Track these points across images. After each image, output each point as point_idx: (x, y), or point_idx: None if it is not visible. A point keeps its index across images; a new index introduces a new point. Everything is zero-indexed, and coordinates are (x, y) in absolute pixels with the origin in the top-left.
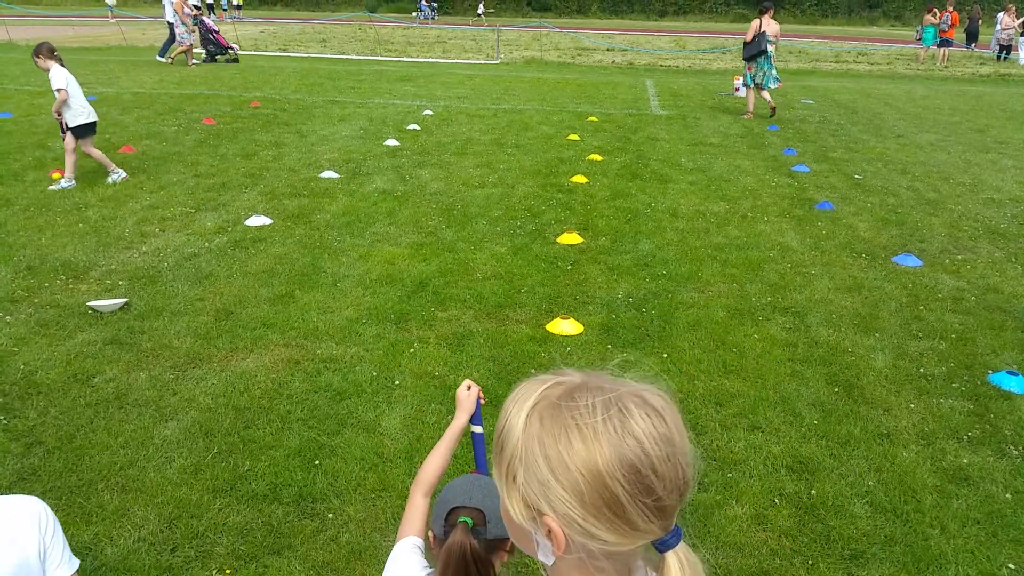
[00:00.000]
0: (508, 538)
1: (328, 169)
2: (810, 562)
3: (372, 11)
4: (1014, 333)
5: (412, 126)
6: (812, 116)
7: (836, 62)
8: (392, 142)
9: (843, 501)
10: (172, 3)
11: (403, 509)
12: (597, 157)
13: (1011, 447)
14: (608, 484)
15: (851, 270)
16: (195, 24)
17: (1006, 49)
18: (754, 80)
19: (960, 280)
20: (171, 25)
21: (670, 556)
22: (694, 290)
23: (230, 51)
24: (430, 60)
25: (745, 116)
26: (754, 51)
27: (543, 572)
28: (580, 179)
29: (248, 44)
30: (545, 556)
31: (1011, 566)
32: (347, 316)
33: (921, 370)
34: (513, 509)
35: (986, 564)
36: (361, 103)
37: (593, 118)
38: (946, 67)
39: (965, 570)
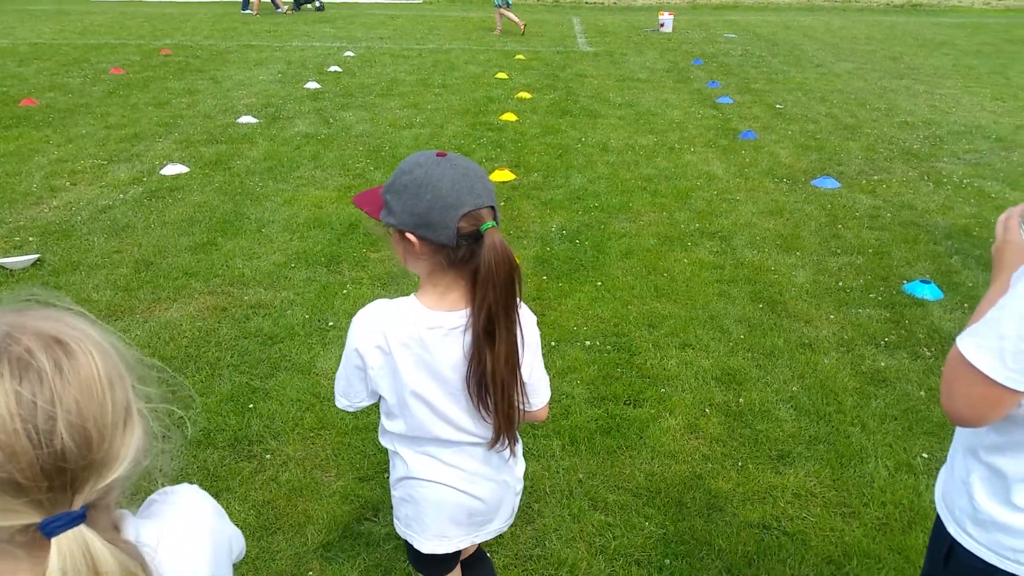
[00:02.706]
0: None
1: (246, 114)
2: (740, 464)
3: None
4: (927, 245)
5: (333, 68)
6: (735, 50)
7: None
8: (313, 85)
9: (769, 407)
10: None
11: (343, 446)
12: (526, 95)
13: (924, 349)
14: None
15: (773, 195)
16: None
17: None
18: (507, 1)
19: (876, 199)
20: None
21: (53, 549)
22: (626, 220)
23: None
24: (349, 0)
25: (521, 31)
26: None
27: None
28: (510, 117)
29: None
30: None
31: (924, 455)
32: (274, 261)
33: (840, 283)
34: None
35: (903, 455)
36: (278, 46)
37: (520, 56)
38: None
39: (884, 462)
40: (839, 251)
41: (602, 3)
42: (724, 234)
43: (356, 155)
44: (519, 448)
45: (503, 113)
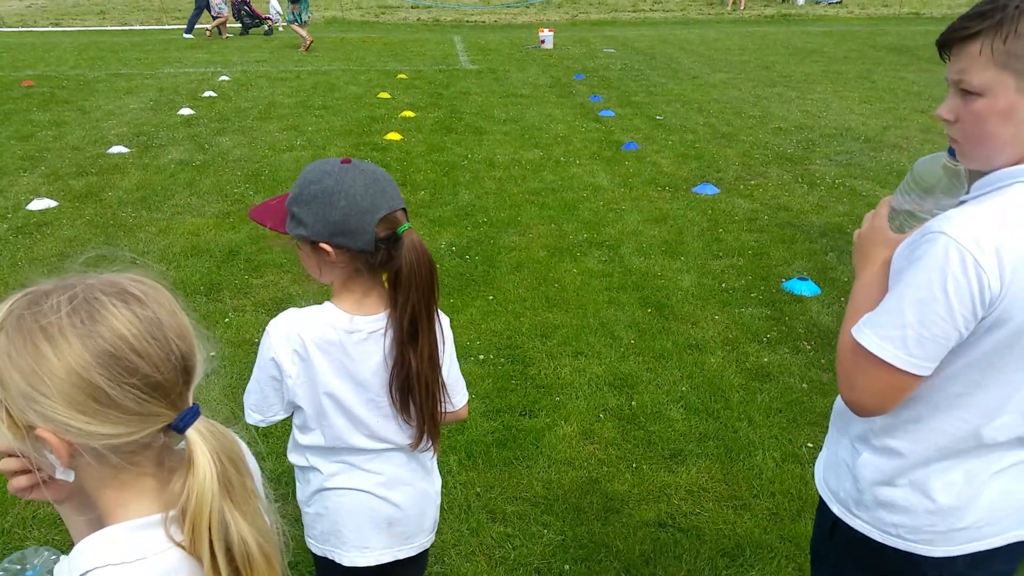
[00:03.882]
0: None
1: (117, 144)
2: (634, 465)
3: None
4: (803, 244)
5: (208, 93)
6: (614, 64)
7: (633, 11)
8: (187, 111)
9: (661, 408)
10: None
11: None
12: (410, 114)
13: (804, 343)
14: (85, 376)
15: (657, 203)
16: None
17: None
18: (298, 16)
19: (754, 203)
20: None
21: (191, 433)
22: (515, 234)
23: (267, 22)
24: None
25: (303, 49)
26: None
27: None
28: (394, 136)
29: (13, 20)
30: (61, 473)
31: (809, 445)
32: None
33: (723, 285)
34: (5, 436)
35: (788, 446)
36: (150, 74)
37: (403, 75)
38: (735, 11)
39: (771, 454)
40: (721, 254)
41: (483, 21)
42: (611, 243)
43: (234, 180)
44: (435, 462)
45: (387, 133)
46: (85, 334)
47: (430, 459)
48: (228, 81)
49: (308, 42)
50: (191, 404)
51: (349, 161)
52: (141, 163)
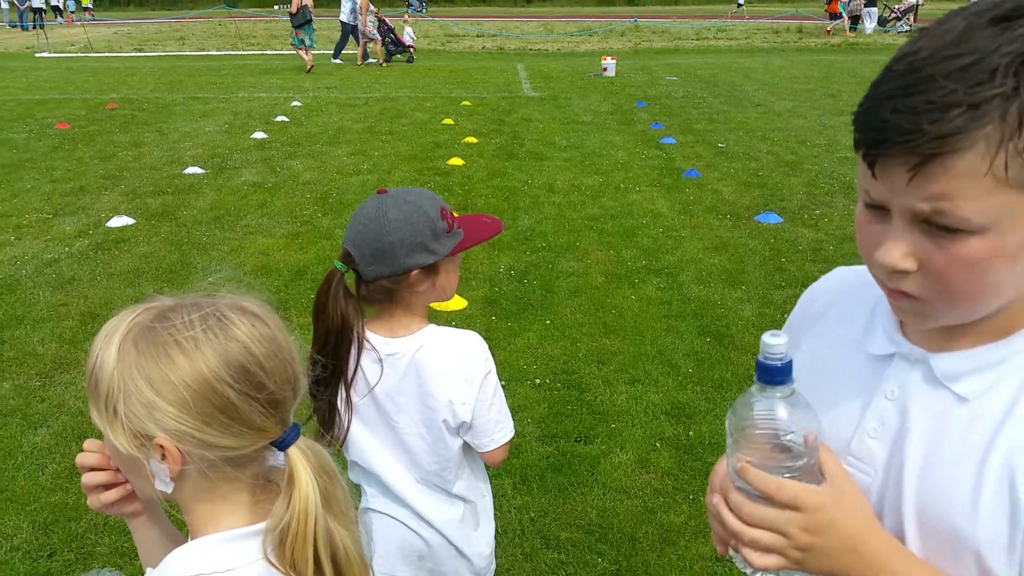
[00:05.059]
0: (398, 272)
1: (192, 165)
2: (691, 497)
3: (231, 5)
4: None
5: (280, 118)
6: (677, 92)
7: (697, 39)
8: (260, 135)
9: (719, 439)
10: (356, 2)
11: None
12: (473, 140)
13: None
14: (217, 388)
15: (718, 231)
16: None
17: (855, 20)
18: (303, 42)
19: (819, 232)
20: (345, 25)
21: (293, 451)
22: (573, 259)
23: (409, 50)
24: (290, 52)
25: (309, 70)
26: (300, 21)
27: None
28: (457, 161)
29: (101, 46)
30: (163, 484)
31: None
32: None
33: (785, 316)
34: (119, 442)
35: None
36: (224, 98)
37: (466, 102)
38: (843, 38)
39: None
40: (784, 284)
41: (546, 50)
42: (671, 270)
43: (304, 202)
44: (487, 511)
45: (450, 158)
46: (219, 349)
47: (479, 507)
48: (299, 106)
49: (309, 66)
50: (292, 423)
51: (384, 191)
52: (215, 184)
